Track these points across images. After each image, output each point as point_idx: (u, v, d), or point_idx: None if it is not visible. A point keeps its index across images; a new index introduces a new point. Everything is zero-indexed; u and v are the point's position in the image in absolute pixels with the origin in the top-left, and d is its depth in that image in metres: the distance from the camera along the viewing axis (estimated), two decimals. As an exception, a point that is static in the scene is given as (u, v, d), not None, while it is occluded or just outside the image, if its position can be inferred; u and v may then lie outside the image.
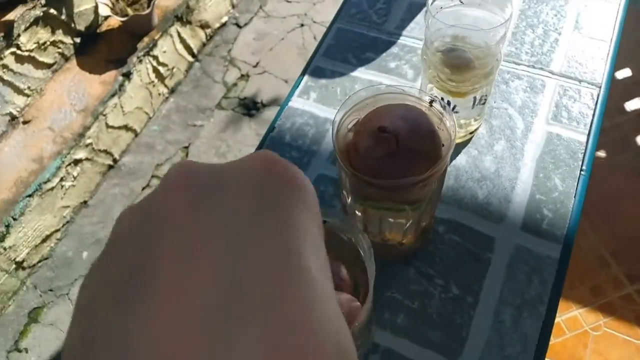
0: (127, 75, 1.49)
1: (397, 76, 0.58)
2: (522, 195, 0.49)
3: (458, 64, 0.45)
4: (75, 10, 1.43)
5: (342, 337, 0.13)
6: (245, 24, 1.79)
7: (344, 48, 0.61)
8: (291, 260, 0.13)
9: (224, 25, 1.79)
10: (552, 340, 1.23)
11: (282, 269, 0.13)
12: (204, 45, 1.74)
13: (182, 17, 1.62)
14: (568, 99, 0.54)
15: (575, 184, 0.49)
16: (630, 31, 1.51)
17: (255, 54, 1.72)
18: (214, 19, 1.75)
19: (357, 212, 0.40)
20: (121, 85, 1.47)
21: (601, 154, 1.39)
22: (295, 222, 0.15)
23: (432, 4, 0.43)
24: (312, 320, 0.12)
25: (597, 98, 0.54)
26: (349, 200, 0.39)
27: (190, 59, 1.69)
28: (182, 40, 1.64)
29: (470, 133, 0.52)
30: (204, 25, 1.71)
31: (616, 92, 1.48)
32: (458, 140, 0.52)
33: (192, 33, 1.67)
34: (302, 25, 1.77)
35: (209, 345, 0.11)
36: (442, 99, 0.47)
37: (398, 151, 0.33)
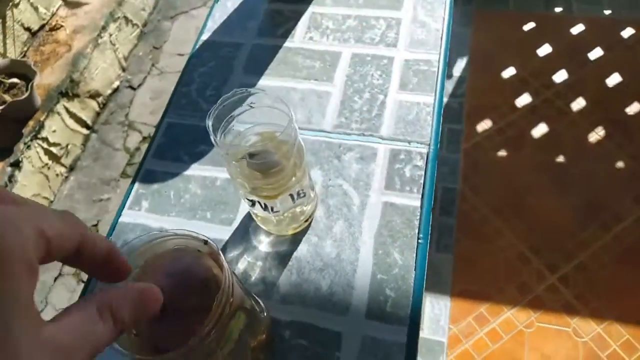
0: (17, 165, 1.40)
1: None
2: (364, 279, 0.48)
3: (265, 167, 0.44)
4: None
5: None
6: (140, 85, 1.74)
7: (176, 145, 0.58)
8: None
9: (116, 90, 1.73)
10: (491, 347, 1.25)
11: None
12: (98, 114, 1.67)
13: (68, 91, 1.55)
14: (399, 163, 0.54)
15: (414, 255, 0.48)
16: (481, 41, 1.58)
17: (155, 113, 1.67)
18: (104, 86, 1.69)
19: None
20: (11, 177, 1.38)
21: (502, 152, 1.44)
22: None
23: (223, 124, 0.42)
24: None
25: (427, 157, 0.54)
26: None
27: (85, 131, 1.62)
28: (72, 115, 1.57)
29: (306, 221, 0.51)
30: (94, 95, 1.65)
31: (506, 90, 1.54)
32: (294, 231, 0.51)
33: (82, 105, 1.60)
34: (197, 75, 1.74)
35: None
36: (259, 202, 0.45)
37: (167, 316, 0.31)
